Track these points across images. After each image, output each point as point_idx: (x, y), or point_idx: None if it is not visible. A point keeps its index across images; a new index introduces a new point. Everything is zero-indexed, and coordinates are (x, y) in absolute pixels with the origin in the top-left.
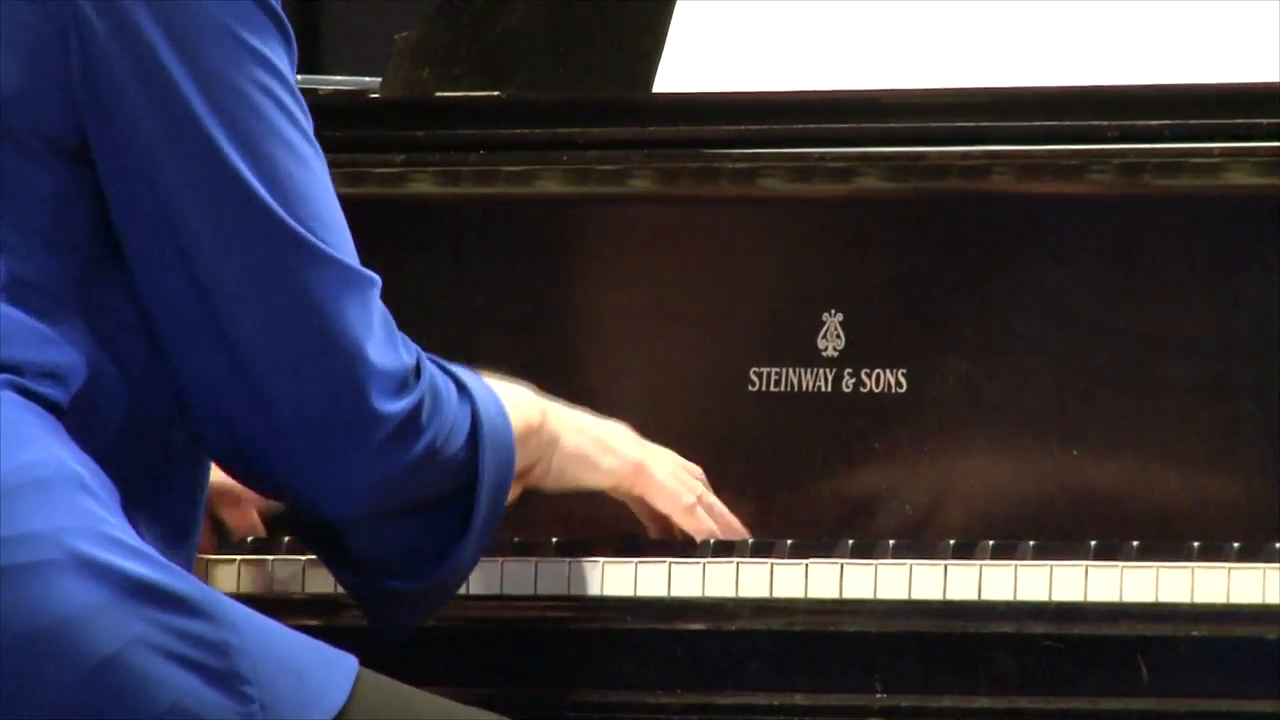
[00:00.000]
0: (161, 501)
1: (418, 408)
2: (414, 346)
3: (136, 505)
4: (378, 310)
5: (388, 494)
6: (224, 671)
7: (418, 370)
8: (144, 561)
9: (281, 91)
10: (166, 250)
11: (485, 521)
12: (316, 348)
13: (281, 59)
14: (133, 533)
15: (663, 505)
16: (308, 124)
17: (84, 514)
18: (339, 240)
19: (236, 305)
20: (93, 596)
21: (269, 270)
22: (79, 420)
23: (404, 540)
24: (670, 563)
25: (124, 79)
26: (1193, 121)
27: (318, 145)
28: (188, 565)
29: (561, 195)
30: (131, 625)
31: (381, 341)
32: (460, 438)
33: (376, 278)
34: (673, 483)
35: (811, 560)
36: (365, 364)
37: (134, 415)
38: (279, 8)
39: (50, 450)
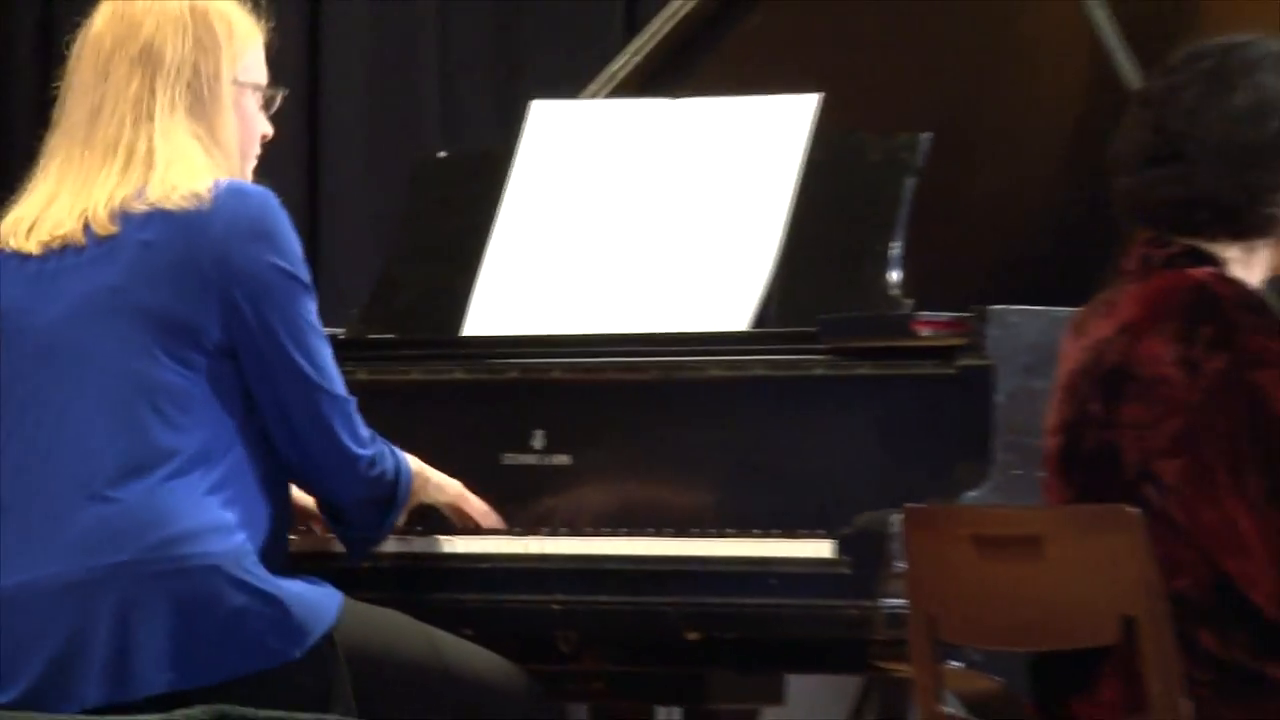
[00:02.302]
0: (271, 529)
1: (373, 457)
2: (370, 430)
3: (259, 534)
4: (355, 413)
5: (360, 494)
6: (281, 612)
7: (373, 440)
8: (255, 570)
9: (315, 319)
10: (272, 401)
11: (398, 513)
12: (326, 435)
13: (313, 304)
14: (254, 555)
15: (471, 512)
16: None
17: (234, 546)
18: (337, 384)
19: (300, 420)
20: (232, 583)
21: (308, 406)
22: (240, 485)
23: (365, 516)
24: (470, 537)
25: (253, 330)
26: (690, 346)
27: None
28: (283, 558)
29: (418, 381)
30: (246, 593)
31: (355, 427)
32: (391, 474)
33: (353, 399)
34: (475, 505)
35: (529, 535)
36: (351, 439)
37: (265, 482)
38: (312, 285)
39: (219, 514)
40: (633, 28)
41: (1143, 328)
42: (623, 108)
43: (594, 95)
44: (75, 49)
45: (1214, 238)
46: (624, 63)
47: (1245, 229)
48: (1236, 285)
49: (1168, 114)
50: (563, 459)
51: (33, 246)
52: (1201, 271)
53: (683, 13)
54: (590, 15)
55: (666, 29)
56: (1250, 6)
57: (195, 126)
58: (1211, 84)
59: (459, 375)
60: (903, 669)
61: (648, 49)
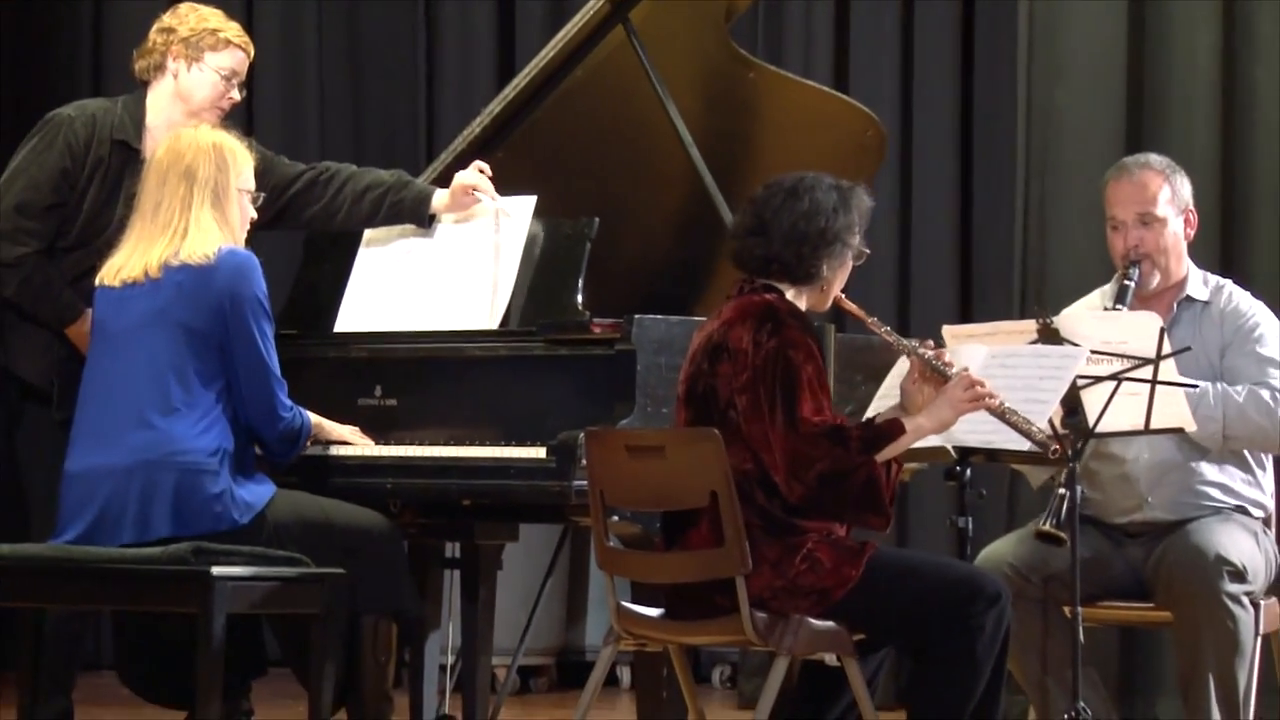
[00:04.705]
0: (242, 450)
1: (291, 416)
2: (290, 401)
3: (228, 452)
4: (284, 389)
5: (281, 434)
6: (236, 496)
7: (291, 407)
8: (224, 472)
9: (271, 332)
10: (239, 377)
11: (302, 447)
12: (267, 400)
13: (270, 324)
14: (224, 464)
15: (349, 439)
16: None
17: (213, 458)
18: (277, 370)
19: (252, 390)
20: (209, 478)
21: (260, 382)
22: (219, 426)
23: (282, 447)
24: (342, 446)
25: (236, 331)
26: (464, 338)
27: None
28: (248, 469)
29: (310, 356)
30: (221, 483)
31: (283, 397)
32: (298, 426)
33: (284, 381)
34: (353, 437)
35: (379, 448)
36: (279, 405)
37: (234, 424)
38: (271, 312)
39: (206, 439)
40: (431, 155)
41: (735, 322)
42: None
43: None
44: (145, 169)
45: (780, 280)
46: (425, 175)
47: (797, 279)
48: (789, 304)
49: (762, 210)
50: (392, 402)
51: (116, 283)
52: (770, 295)
53: (459, 148)
54: (404, 143)
55: (450, 159)
56: (779, 162)
57: (215, 214)
58: (787, 197)
59: (333, 354)
60: (586, 521)
61: (439, 169)
